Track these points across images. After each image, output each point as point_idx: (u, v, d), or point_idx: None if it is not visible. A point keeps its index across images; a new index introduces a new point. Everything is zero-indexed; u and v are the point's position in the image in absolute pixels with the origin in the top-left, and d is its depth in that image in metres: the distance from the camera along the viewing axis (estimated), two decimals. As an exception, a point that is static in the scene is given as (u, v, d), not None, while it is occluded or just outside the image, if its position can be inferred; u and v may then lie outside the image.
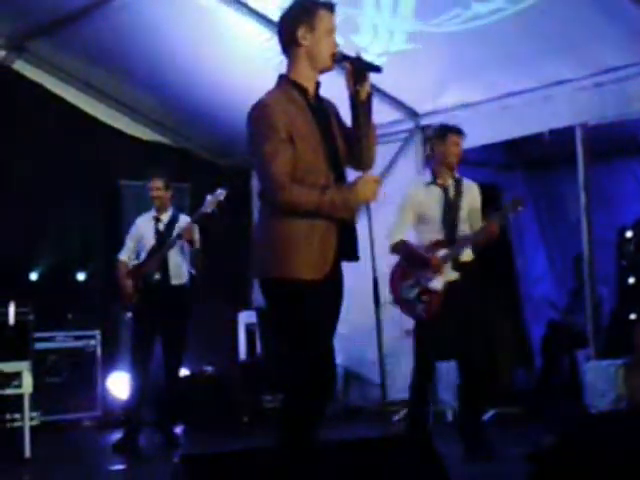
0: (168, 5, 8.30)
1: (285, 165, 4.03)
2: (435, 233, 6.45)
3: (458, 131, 6.62)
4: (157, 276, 7.71)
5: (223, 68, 9.11)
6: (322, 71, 4.27)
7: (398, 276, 6.51)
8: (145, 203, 8.19)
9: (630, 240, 9.90)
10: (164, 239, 7.78)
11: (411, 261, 6.45)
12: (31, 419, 7.55)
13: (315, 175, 4.10)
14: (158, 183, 7.90)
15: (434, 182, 6.56)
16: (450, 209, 6.49)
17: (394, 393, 9.11)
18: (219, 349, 10.37)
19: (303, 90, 4.24)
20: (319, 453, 4.16)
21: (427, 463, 4.51)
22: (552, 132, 8.32)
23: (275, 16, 7.97)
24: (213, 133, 10.70)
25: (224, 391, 9.41)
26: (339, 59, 4.23)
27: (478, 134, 8.66)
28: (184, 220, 7.92)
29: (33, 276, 9.76)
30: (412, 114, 9.61)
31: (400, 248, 6.50)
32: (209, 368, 9.87)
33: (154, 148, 10.70)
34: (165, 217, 7.93)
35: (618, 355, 8.11)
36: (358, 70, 4.20)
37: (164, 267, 7.74)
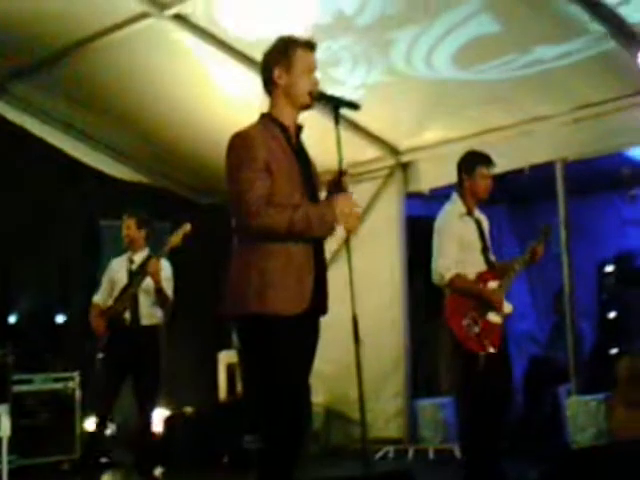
0: (148, 45, 8.30)
1: (262, 193, 4.03)
2: (477, 264, 6.20)
3: (487, 162, 6.30)
4: (127, 316, 7.63)
5: (204, 107, 9.11)
6: (301, 109, 4.29)
7: (457, 311, 6.15)
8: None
9: (610, 274, 9.92)
10: (135, 279, 7.71)
11: (469, 294, 6.16)
12: (9, 462, 7.47)
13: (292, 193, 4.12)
14: (129, 222, 7.83)
15: (468, 213, 6.29)
16: (483, 240, 6.30)
17: (376, 431, 9.10)
18: (199, 389, 10.31)
19: (284, 128, 4.25)
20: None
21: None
22: (532, 167, 8.35)
23: (256, 56, 8.04)
24: (194, 172, 10.69)
25: (204, 431, 9.34)
26: (317, 98, 4.25)
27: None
28: (164, 260, 7.87)
29: (12, 319, 9.70)
30: (393, 151, 9.63)
31: (459, 282, 6.13)
32: (189, 408, 9.81)
33: (135, 188, 10.67)
34: (138, 258, 7.83)
35: (599, 390, 8.10)
36: (336, 108, 4.22)
37: (134, 307, 7.66)
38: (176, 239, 7.51)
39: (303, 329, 4.10)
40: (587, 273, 9.61)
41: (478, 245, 6.21)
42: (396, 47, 7.97)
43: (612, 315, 9.77)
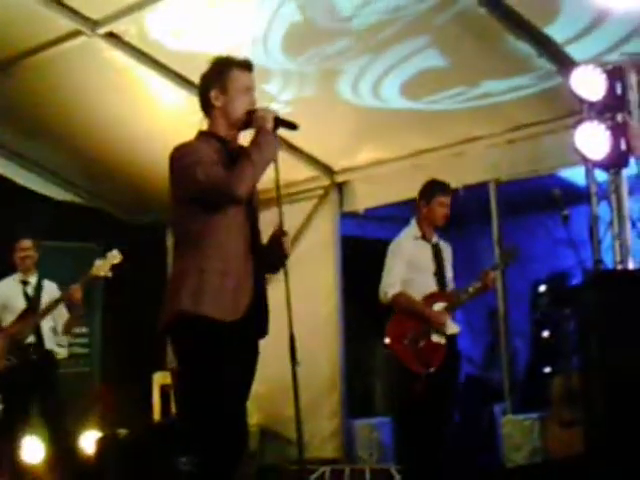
0: (81, 63, 8.21)
1: (222, 172, 4.06)
2: (426, 285, 6.37)
3: (444, 190, 6.53)
4: (31, 339, 7.47)
5: (139, 126, 9.03)
6: (240, 129, 4.31)
7: (399, 329, 6.30)
8: (63, 264, 7.97)
9: (543, 294, 10.01)
10: (35, 303, 7.54)
11: (412, 313, 6.29)
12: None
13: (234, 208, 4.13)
14: (27, 244, 7.69)
15: (423, 237, 6.49)
16: (438, 264, 6.46)
17: (312, 451, 9.05)
18: (133, 411, 10.19)
19: (224, 142, 4.27)
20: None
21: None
22: (466, 188, 8.41)
23: (193, 76, 7.99)
24: (127, 191, 10.59)
25: (138, 453, 9.22)
26: (253, 117, 4.25)
27: (395, 190, 8.74)
28: (49, 284, 7.74)
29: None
30: (328, 171, 9.63)
31: (402, 301, 6.31)
32: (122, 430, 9.68)
33: (65, 207, 10.53)
34: (32, 280, 7.69)
35: (534, 409, 8.15)
36: (275, 128, 4.24)
37: (37, 331, 7.52)
38: (99, 271, 7.38)
39: (239, 343, 4.08)
40: (521, 293, 9.69)
41: (431, 268, 6.37)
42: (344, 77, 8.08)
43: (545, 334, 9.86)
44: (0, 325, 7.59)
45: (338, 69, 7.94)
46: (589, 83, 6.95)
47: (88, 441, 9.28)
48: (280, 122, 4.27)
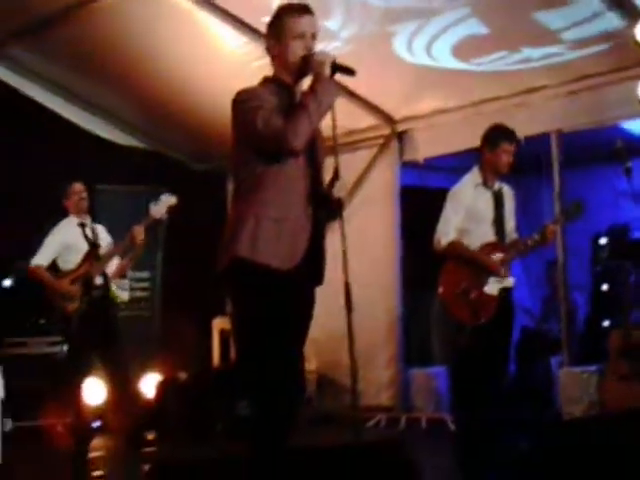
0: (144, 8, 8.24)
1: (280, 122, 4.01)
2: (484, 235, 6.16)
3: (510, 138, 6.23)
4: (100, 281, 7.57)
5: (200, 71, 9.05)
6: (299, 76, 4.23)
7: (451, 279, 6.14)
8: (120, 207, 8.04)
9: (604, 247, 9.92)
10: (96, 244, 7.63)
11: (466, 263, 6.11)
12: (3, 425, 7.47)
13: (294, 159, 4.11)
14: (80, 187, 7.76)
15: (484, 184, 6.23)
16: (498, 213, 6.24)
17: (368, 399, 9.13)
18: (193, 355, 10.32)
19: (287, 87, 4.23)
20: (291, 462, 4.12)
21: (401, 470, 4.50)
22: (527, 139, 8.34)
23: (252, 20, 7.99)
24: (189, 137, 10.66)
25: (197, 398, 9.35)
26: (309, 62, 4.16)
27: (456, 140, 8.69)
28: (100, 227, 7.82)
29: (5, 282, 9.67)
30: (388, 120, 9.61)
31: (456, 248, 6.12)
32: (182, 374, 9.82)
33: (129, 152, 10.63)
34: (88, 222, 7.78)
35: (592, 362, 8.13)
36: (332, 73, 4.14)
37: (103, 272, 7.63)
38: (156, 213, 7.44)
39: (294, 290, 4.08)
40: (580, 246, 9.62)
41: (490, 216, 6.15)
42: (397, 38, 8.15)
43: (605, 288, 9.79)
44: (65, 267, 7.70)
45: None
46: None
47: (148, 384, 9.44)
48: (338, 67, 4.15)
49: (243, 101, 4.12)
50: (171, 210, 7.48)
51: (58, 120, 10.05)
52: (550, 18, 7.39)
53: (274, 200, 4.07)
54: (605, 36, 7.50)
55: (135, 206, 8.83)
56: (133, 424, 7.81)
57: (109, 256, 7.56)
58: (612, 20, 7.27)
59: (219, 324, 10.41)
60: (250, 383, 4.08)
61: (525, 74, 8.27)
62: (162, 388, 9.38)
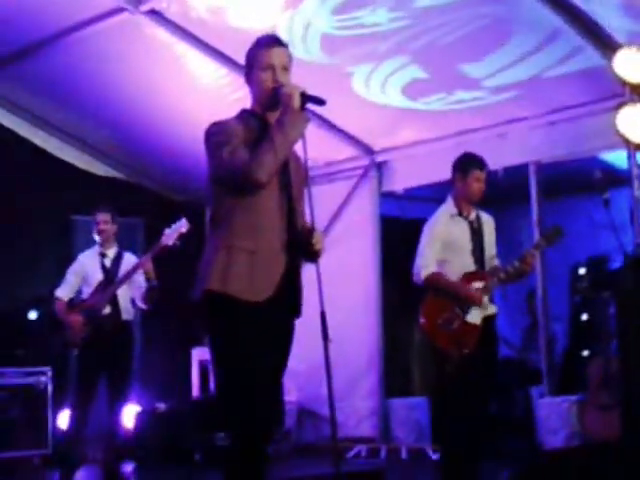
0: (123, 39, 8.26)
1: (245, 156, 3.98)
2: (464, 265, 6.14)
3: (480, 165, 6.22)
4: (107, 310, 7.56)
5: (179, 102, 9.08)
6: (270, 107, 4.19)
7: (433, 310, 6.11)
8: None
9: (583, 277, 9.95)
10: (112, 275, 7.65)
11: (447, 294, 6.08)
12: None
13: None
14: (105, 217, 7.77)
15: (460, 214, 6.21)
16: (476, 241, 6.22)
17: (349, 430, 9.10)
18: (172, 386, 10.27)
19: (263, 121, 4.19)
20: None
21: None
22: (507, 169, 8.38)
23: (231, 52, 8.01)
24: (167, 168, 10.65)
25: (176, 429, 9.30)
26: (277, 94, 4.13)
27: (435, 170, 8.71)
28: (129, 256, 7.81)
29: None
30: (367, 150, 9.63)
31: (435, 280, 6.09)
32: (161, 405, 9.76)
33: (107, 182, 10.61)
34: (111, 252, 7.77)
35: (572, 392, 8.13)
36: (303, 104, 4.10)
37: (114, 302, 7.61)
38: (168, 240, 7.42)
39: (270, 322, 4.04)
40: (560, 276, 9.65)
41: (468, 246, 6.13)
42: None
43: (584, 317, 9.82)
44: (78, 298, 7.72)
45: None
46: (632, 65, 6.88)
47: (127, 415, 9.37)
48: (307, 98, 4.11)
49: (212, 134, 4.10)
50: (182, 237, 7.46)
51: (34, 150, 10.02)
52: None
53: (247, 232, 4.04)
54: (583, 69, 7.55)
55: (122, 236, 8.80)
56: (111, 456, 7.76)
57: (118, 285, 7.56)
58: (591, 54, 7.33)
59: (198, 354, 10.36)
60: (225, 414, 4.05)
61: (504, 106, 8.31)
62: (141, 419, 9.32)
